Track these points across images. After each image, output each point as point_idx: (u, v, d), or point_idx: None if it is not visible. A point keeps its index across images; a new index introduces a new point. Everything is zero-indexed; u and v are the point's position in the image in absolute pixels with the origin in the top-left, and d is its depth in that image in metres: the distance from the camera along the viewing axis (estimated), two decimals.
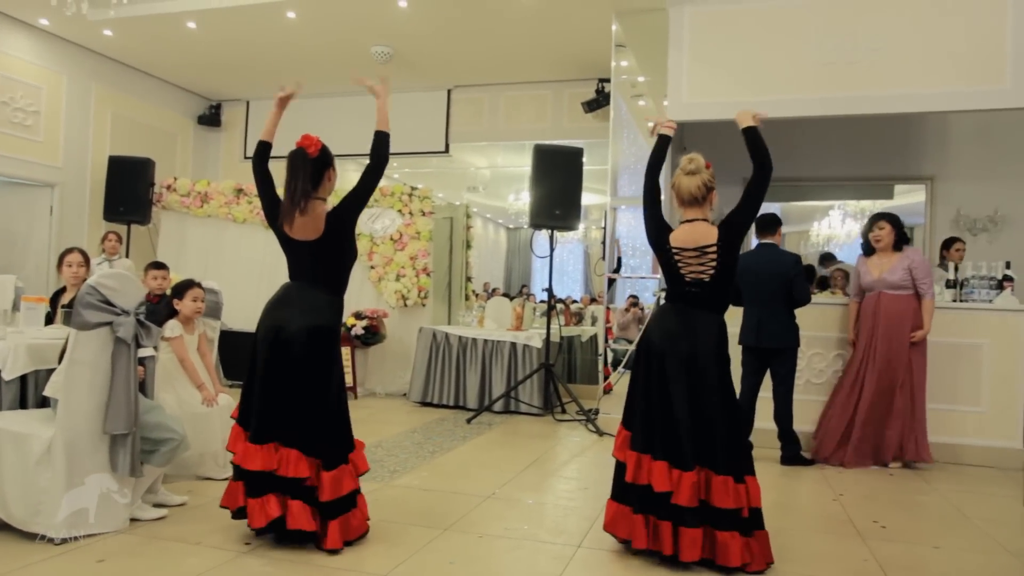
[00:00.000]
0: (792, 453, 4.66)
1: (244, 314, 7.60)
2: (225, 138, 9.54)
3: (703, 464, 2.74)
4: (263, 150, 3.11)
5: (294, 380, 2.83)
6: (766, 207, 8.47)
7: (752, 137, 2.93)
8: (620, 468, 2.89)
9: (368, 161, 3.01)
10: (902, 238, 4.77)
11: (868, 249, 4.84)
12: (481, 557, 2.85)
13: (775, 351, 4.61)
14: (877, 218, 4.84)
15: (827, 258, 7.29)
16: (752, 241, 5.31)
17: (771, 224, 4.80)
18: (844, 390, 4.84)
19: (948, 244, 5.93)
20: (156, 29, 7.23)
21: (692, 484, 2.68)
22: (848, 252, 8.36)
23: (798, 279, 4.57)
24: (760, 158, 2.91)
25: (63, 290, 4.57)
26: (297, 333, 2.84)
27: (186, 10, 6.75)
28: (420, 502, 3.57)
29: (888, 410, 4.64)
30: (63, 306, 4.31)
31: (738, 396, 4.52)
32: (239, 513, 2.87)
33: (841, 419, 4.76)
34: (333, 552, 2.77)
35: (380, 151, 3.01)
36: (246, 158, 9.36)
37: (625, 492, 2.85)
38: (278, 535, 2.86)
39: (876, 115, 5.42)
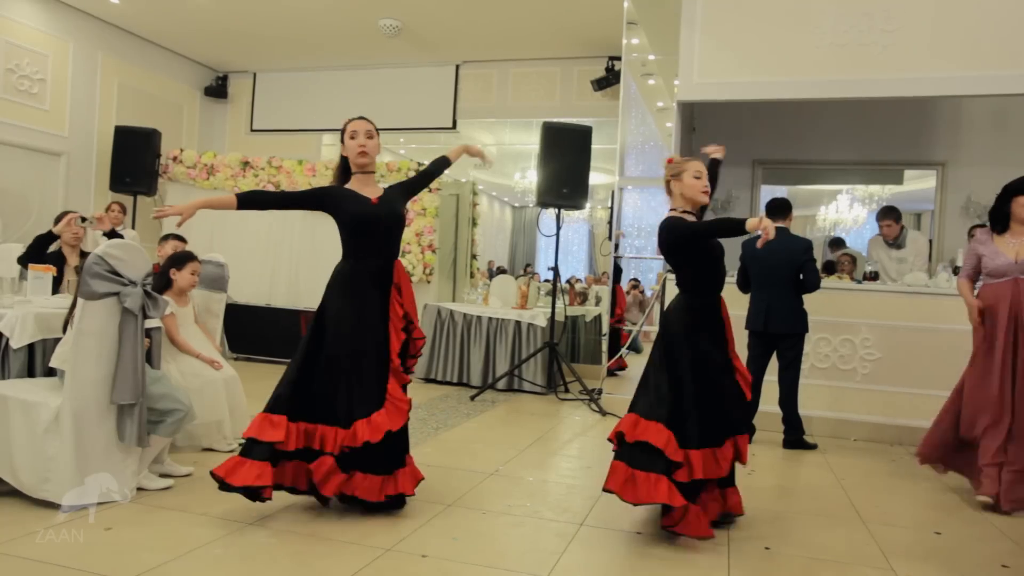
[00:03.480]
0: (795, 437, 4.67)
1: (249, 287, 7.63)
2: (231, 110, 9.48)
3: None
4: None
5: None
6: (774, 190, 8.51)
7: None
8: (674, 468, 2.81)
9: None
10: None
11: (1002, 225, 3.86)
12: (484, 533, 2.87)
13: (782, 336, 4.60)
14: (1021, 189, 3.78)
15: (836, 243, 7.25)
16: None
17: (783, 208, 4.75)
18: (989, 386, 3.71)
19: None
20: None
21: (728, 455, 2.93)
22: (855, 237, 8.31)
23: (809, 264, 4.54)
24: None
25: (53, 237, 4.41)
26: None
27: None
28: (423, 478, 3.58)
29: None
30: (76, 268, 4.29)
31: None
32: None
33: (997, 422, 3.65)
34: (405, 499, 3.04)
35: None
36: (252, 131, 9.32)
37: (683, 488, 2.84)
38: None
39: (888, 98, 5.36)
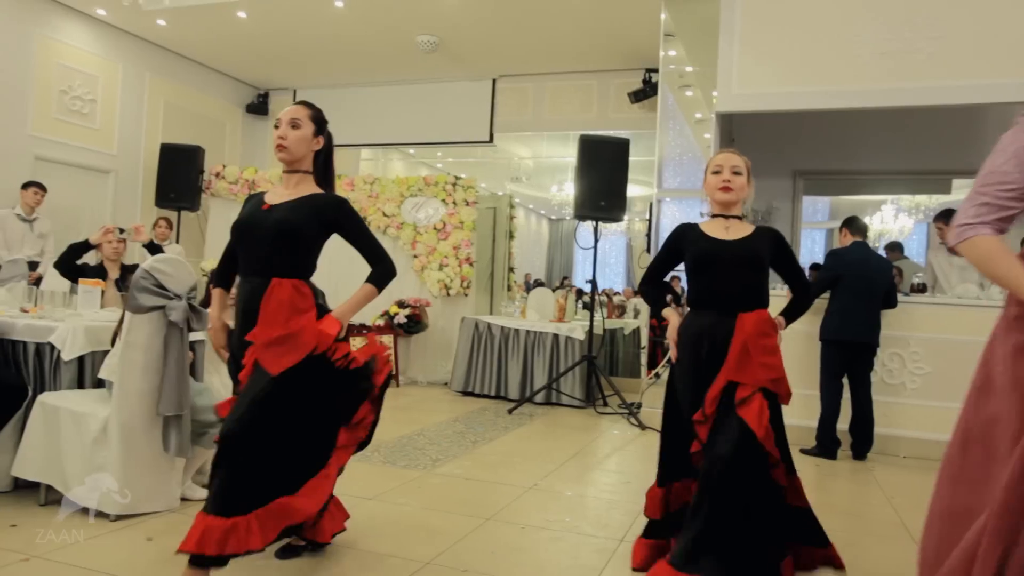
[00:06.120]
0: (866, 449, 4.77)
1: None
2: (272, 126, 9.68)
3: None
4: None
5: None
6: (815, 201, 8.26)
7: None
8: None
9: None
10: None
11: None
12: (523, 548, 2.85)
13: (868, 347, 4.71)
14: None
15: (893, 247, 7.06)
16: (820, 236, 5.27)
17: (863, 227, 4.90)
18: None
19: None
20: (208, 19, 7.36)
21: None
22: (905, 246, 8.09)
23: (894, 282, 4.83)
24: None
25: (87, 247, 4.56)
26: None
27: (237, 0, 6.86)
28: (462, 491, 3.58)
29: None
30: (116, 281, 4.44)
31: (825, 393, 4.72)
32: None
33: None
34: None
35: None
36: None
37: None
38: None
39: (934, 106, 5.23)
